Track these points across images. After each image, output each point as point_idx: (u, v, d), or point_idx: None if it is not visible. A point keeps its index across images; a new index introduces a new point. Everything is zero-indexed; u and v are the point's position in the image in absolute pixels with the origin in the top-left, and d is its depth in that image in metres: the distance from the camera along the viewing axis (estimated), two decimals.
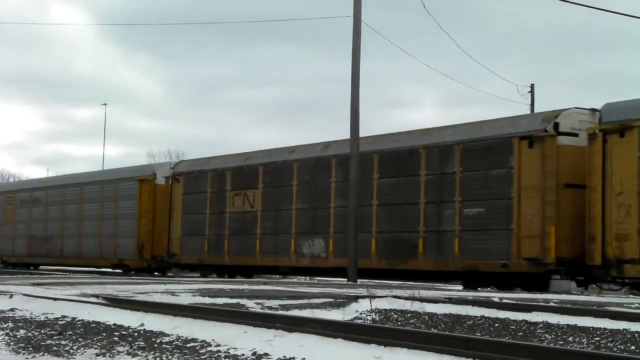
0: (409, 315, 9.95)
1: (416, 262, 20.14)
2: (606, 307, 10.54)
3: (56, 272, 29.10)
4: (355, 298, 11.53)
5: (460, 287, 19.31)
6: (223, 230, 25.96)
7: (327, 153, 23.17)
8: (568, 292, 17.24)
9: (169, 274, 28.63)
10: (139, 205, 29.36)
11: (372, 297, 11.10)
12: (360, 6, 21.23)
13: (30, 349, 7.13)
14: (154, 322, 8.15)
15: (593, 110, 17.92)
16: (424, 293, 12.69)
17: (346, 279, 20.29)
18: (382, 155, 21.26)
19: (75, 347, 7.08)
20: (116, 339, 7.37)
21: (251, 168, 25.30)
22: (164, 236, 28.49)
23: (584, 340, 7.86)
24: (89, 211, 32.00)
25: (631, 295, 16.04)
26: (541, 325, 8.72)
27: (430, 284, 19.98)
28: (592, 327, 8.32)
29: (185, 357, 6.33)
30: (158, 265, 29.27)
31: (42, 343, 7.41)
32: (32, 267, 36.34)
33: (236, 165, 25.99)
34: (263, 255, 24.45)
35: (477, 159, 19.00)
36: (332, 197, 22.44)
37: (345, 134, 21.74)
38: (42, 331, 8.12)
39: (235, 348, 6.46)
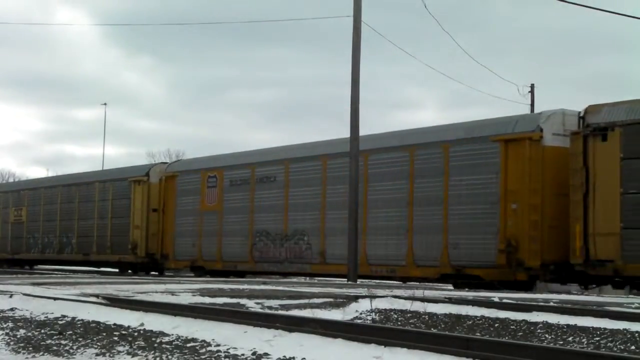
0: (409, 315, 9.94)
1: None
2: (606, 307, 10.53)
3: (57, 272, 29.15)
4: (355, 298, 11.53)
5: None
6: None
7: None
8: (568, 292, 17.32)
9: None
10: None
11: (372, 297, 11.10)
12: (360, 6, 21.23)
13: (30, 348, 7.13)
14: (153, 322, 8.15)
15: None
16: (424, 293, 12.68)
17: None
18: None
19: (75, 347, 7.07)
20: (116, 338, 7.37)
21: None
22: None
23: (584, 340, 7.86)
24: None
25: (631, 295, 16.04)
26: (541, 325, 8.72)
27: (431, 284, 19.95)
28: (592, 327, 8.32)
29: (185, 357, 6.33)
30: None
31: (42, 343, 7.40)
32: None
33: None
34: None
35: None
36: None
37: (345, 133, 21.73)
38: (42, 331, 8.12)
39: (235, 348, 6.46)
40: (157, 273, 29.61)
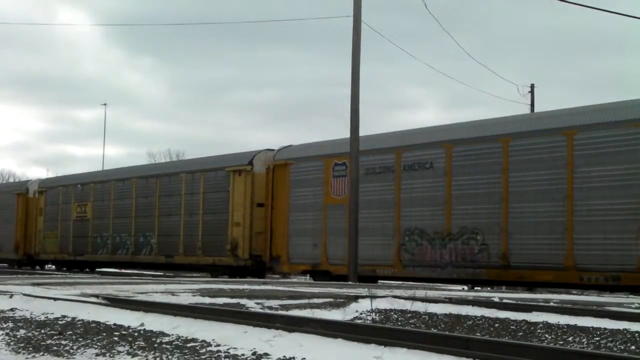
0: (409, 315, 9.94)
1: None
2: (606, 307, 10.54)
3: (56, 273, 29.03)
4: (355, 298, 11.53)
5: (460, 287, 19.28)
6: None
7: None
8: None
9: None
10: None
11: (372, 297, 11.10)
12: (360, 5, 21.24)
13: (31, 348, 7.13)
14: (154, 322, 8.15)
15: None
16: (424, 293, 12.69)
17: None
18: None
19: (75, 347, 7.07)
20: (116, 338, 7.36)
21: None
22: None
23: (584, 340, 7.86)
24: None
25: (631, 295, 16.01)
26: (541, 325, 8.72)
27: (431, 284, 19.93)
28: (592, 327, 8.32)
29: (185, 357, 6.33)
30: None
31: (42, 343, 7.40)
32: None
33: None
34: None
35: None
36: None
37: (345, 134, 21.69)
38: (42, 331, 8.12)
39: (235, 348, 6.46)
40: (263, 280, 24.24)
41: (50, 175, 64.09)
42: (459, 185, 19.17)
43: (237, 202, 24.63)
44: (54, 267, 34.86)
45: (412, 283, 20.09)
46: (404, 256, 20.19)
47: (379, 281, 21.39)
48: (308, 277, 23.63)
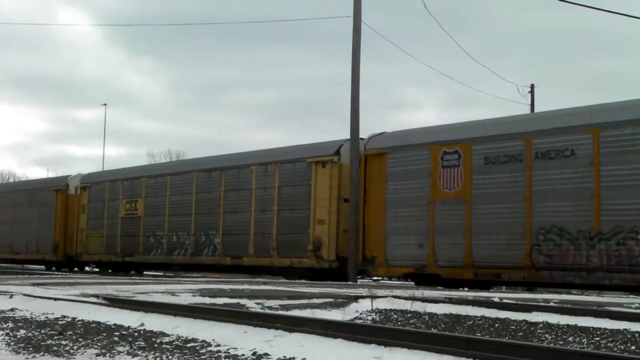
0: (409, 315, 9.94)
1: None
2: (606, 307, 10.54)
3: (57, 273, 28.94)
4: (356, 298, 11.53)
5: (460, 287, 19.23)
6: None
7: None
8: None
9: None
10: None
11: (372, 297, 11.10)
12: (360, 5, 21.26)
13: (31, 349, 7.13)
14: (154, 322, 8.15)
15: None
16: (424, 293, 12.70)
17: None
18: None
19: (75, 347, 7.07)
20: (116, 339, 7.36)
21: None
22: None
23: (584, 340, 7.86)
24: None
25: (631, 295, 16.00)
26: (541, 325, 8.72)
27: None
28: (592, 327, 8.32)
29: (186, 357, 6.33)
30: None
31: (42, 343, 7.40)
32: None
33: None
34: None
35: None
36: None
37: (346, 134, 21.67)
38: (43, 331, 8.11)
39: (235, 348, 6.46)
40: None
41: (51, 175, 64.15)
42: (609, 175, 16.59)
43: (320, 196, 22.19)
44: (97, 269, 32.38)
45: (412, 283, 20.04)
46: (537, 258, 17.57)
47: (504, 287, 19.93)
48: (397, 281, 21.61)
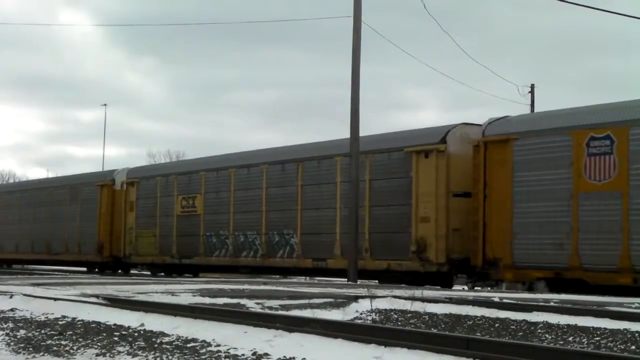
0: (409, 315, 9.94)
1: None
2: (606, 307, 10.54)
3: (55, 272, 28.88)
4: (355, 298, 11.53)
5: (460, 287, 19.22)
6: None
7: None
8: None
9: None
10: None
11: (372, 297, 11.10)
12: (360, 5, 21.25)
13: (31, 349, 7.13)
14: (154, 322, 8.15)
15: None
16: (424, 293, 12.70)
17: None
18: None
19: (75, 347, 7.07)
20: (116, 339, 7.36)
21: None
22: None
23: (584, 340, 7.86)
24: None
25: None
26: (541, 325, 8.72)
27: (431, 284, 19.83)
28: (592, 327, 8.33)
29: (186, 357, 6.33)
30: None
31: (42, 343, 7.40)
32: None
33: None
34: None
35: None
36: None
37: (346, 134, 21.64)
38: (43, 331, 8.11)
39: (235, 348, 6.46)
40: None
41: (51, 175, 64.14)
42: None
43: (423, 190, 19.48)
44: (148, 272, 29.42)
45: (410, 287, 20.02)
46: None
47: None
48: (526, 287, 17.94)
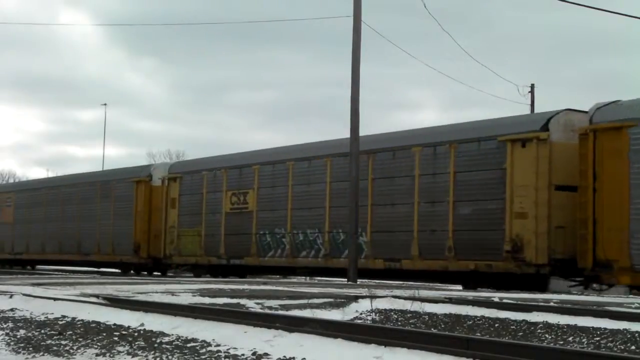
0: (409, 315, 9.94)
1: None
2: (606, 307, 10.54)
3: (56, 272, 28.87)
4: (355, 298, 11.52)
5: (459, 287, 19.18)
6: None
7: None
8: (568, 292, 16.57)
9: None
10: None
11: (372, 297, 11.10)
12: (360, 5, 21.25)
13: (30, 349, 7.12)
14: (154, 322, 8.15)
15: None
16: (424, 293, 12.70)
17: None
18: None
19: (75, 347, 7.07)
20: (116, 338, 7.36)
21: None
22: None
23: (584, 340, 7.86)
24: None
25: (631, 295, 15.94)
26: (541, 325, 8.72)
27: (431, 284, 19.89)
28: (592, 327, 8.32)
29: (185, 357, 6.33)
30: None
31: (42, 343, 7.40)
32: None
33: None
34: None
35: None
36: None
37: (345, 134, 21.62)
38: (42, 331, 8.11)
39: (235, 348, 6.45)
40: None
41: (51, 175, 64.09)
42: None
43: (519, 183, 17.62)
44: (191, 273, 27.12)
45: (412, 283, 20.05)
46: None
47: None
48: None
